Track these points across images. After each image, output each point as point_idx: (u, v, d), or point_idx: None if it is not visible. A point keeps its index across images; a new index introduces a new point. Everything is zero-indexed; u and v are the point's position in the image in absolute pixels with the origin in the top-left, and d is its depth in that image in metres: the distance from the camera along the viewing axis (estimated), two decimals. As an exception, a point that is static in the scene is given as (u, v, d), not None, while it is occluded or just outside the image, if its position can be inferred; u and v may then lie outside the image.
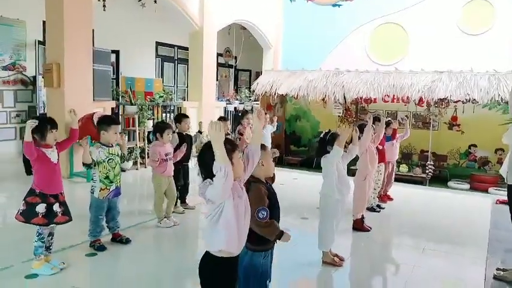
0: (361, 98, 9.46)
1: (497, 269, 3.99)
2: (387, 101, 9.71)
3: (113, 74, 9.81)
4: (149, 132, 5.40)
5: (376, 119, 5.71)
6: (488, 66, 8.62)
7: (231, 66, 14.32)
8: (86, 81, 7.57)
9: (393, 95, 9.13)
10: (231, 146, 2.28)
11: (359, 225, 5.08)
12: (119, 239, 4.44)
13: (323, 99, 9.83)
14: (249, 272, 2.65)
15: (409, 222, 5.70)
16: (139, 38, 11.20)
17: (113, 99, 8.57)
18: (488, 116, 9.14)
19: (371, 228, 5.13)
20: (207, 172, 2.22)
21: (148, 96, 9.60)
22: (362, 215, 5.15)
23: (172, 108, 9.80)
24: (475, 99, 8.33)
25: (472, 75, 8.62)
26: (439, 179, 9.36)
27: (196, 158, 3.36)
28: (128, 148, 4.87)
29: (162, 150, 4.95)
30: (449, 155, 9.84)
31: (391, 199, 6.62)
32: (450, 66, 8.95)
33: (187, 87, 12.62)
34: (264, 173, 2.74)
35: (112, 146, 4.29)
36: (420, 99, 8.89)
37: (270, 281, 2.86)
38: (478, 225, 5.60)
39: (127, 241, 4.44)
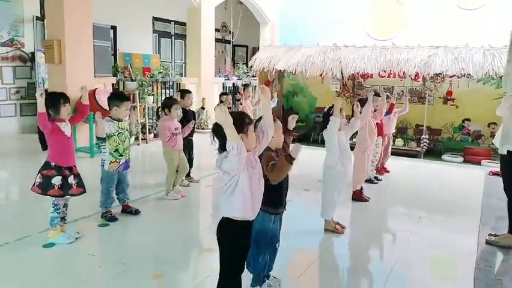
0: (358, 73, 9.59)
1: (489, 235, 4.23)
2: (384, 76, 9.89)
3: (112, 50, 9.83)
4: (158, 108, 5.53)
5: (376, 95, 5.86)
6: (484, 41, 8.75)
7: (227, 41, 14.30)
8: (87, 57, 7.62)
9: (390, 70, 9.27)
10: (247, 120, 2.47)
11: (358, 196, 5.30)
12: (129, 210, 4.62)
13: (321, 75, 9.95)
14: (260, 236, 2.85)
15: (405, 193, 5.94)
16: (136, 14, 11.15)
17: (113, 76, 8.63)
18: (482, 91, 9.34)
19: (369, 199, 5.36)
20: (222, 142, 2.38)
21: (147, 73, 9.64)
22: (361, 186, 5.37)
23: (171, 84, 9.87)
24: (469, 74, 8.49)
25: (467, 50, 8.75)
26: (433, 153, 9.61)
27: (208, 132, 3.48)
28: (129, 123, 5.05)
29: (172, 125, 5.11)
30: (444, 129, 10.06)
31: (388, 171, 6.84)
32: (446, 41, 9.07)
33: (184, 63, 12.65)
34: (274, 144, 2.91)
35: (122, 121, 4.43)
36: (416, 74, 9.04)
37: (279, 245, 3.08)
38: (471, 196, 5.85)
39: (136, 212, 4.63)
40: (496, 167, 8.10)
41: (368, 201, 5.33)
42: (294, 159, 2.78)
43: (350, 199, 5.31)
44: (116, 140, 4.36)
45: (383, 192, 5.99)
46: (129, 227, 4.40)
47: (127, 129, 4.47)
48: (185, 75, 11.63)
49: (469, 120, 9.84)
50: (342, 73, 9.61)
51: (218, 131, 2.38)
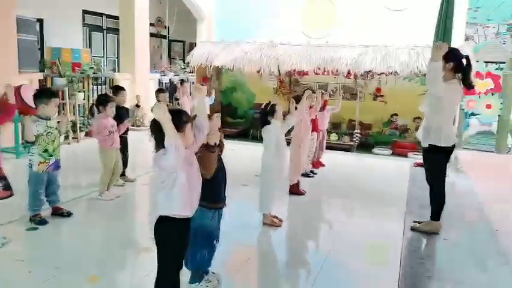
0: (294, 70, 9.81)
1: (414, 222, 4.54)
2: (319, 74, 10.14)
3: (38, 44, 9.29)
4: (91, 106, 5.33)
5: (312, 92, 6.07)
6: (409, 41, 9.30)
7: (163, 36, 14.01)
8: (10, 52, 7.14)
9: (324, 68, 9.57)
10: (185, 118, 2.47)
11: (294, 190, 5.46)
12: (60, 213, 4.43)
13: (258, 71, 10.05)
14: (198, 232, 2.86)
15: (339, 186, 6.21)
16: (64, 6, 10.59)
17: (40, 71, 8.17)
18: (408, 88, 9.90)
19: (305, 192, 5.54)
20: (159, 141, 2.37)
21: (77, 68, 9.22)
22: (298, 180, 5.53)
23: (104, 80, 9.52)
24: (396, 72, 8.98)
25: (394, 49, 9.25)
26: (365, 146, 10.07)
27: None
28: (59, 123, 4.76)
29: (107, 123, 4.95)
30: (374, 124, 10.55)
31: (323, 165, 7.10)
32: (375, 40, 9.52)
33: (117, 58, 12.23)
34: (210, 141, 2.92)
35: (50, 119, 4.22)
36: (348, 72, 9.42)
37: (217, 242, 3.11)
38: (398, 186, 6.22)
39: (68, 214, 4.44)
40: (420, 158, 8.68)
41: (304, 194, 5.50)
42: (213, 147, 2.78)
43: (287, 193, 5.45)
44: (45, 140, 4.16)
45: (318, 185, 6.21)
46: (61, 230, 4.22)
47: (56, 128, 4.28)
48: (118, 71, 11.26)
49: (396, 115, 10.39)
50: (279, 70, 9.78)
51: (156, 128, 2.36)
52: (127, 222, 4.69)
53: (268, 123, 4.24)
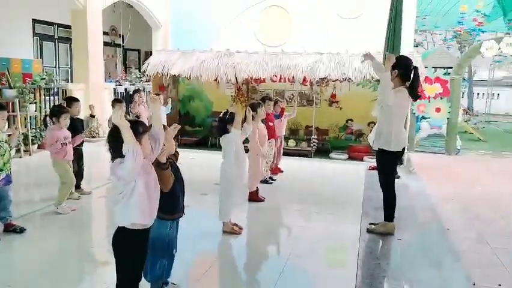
0: (251, 78, 9.91)
1: (370, 224, 4.71)
2: (275, 81, 10.29)
3: (-16, 54, 8.90)
4: (45, 116, 5.18)
5: (269, 99, 6.19)
6: (361, 48, 9.59)
7: (118, 45, 13.77)
8: (-46, 62, 6.82)
9: (280, 75, 9.73)
10: (142, 129, 2.48)
11: (254, 197, 5.51)
12: (12, 229, 4.26)
13: (216, 80, 10.07)
14: (156, 243, 2.85)
15: (298, 191, 6.31)
16: (13, 15, 10.22)
17: (-13, 83, 7.84)
18: (361, 93, 10.22)
19: (264, 199, 5.61)
20: (117, 150, 2.36)
21: (27, 79, 8.90)
22: (257, 187, 5.58)
23: (56, 90, 9.23)
24: (350, 78, 9.26)
25: (348, 56, 9.54)
26: (322, 151, 10.27)
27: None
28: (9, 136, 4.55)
29: (61, 135, 4.83)
30: (330, 129, 10.79)
31: (282, 171, 7.20)
32: (329, 48, 9.78)
33: (70, 68, 11.91)
34: (167, 152, 2.92)
35: (-1, 132, 4.08)
36: (304, 79, 9.61)
37: (176, 251, 3.10)
38: (354, 189, 6.41)
39: (21, 230, 4.28)
40: (374, 162, 8.98)
41: (263, 201, 5.56)
42: (164, 164, 2.77)
43: (246, 200, 5.49)
44: (-6, 154, 4.00)
45: (277, 192, 6.29)
46: (14, 247, 4.06)
47: (6, 141, 4.13)
48: (71, 81, 10.96)
49: (351, 120, 10.70)
50: (236, 78, 9.85)
51: (113, 138, 2.36)
52: (84, 236, 4.57)
53: (227, 131, 4.27)
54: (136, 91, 6.97)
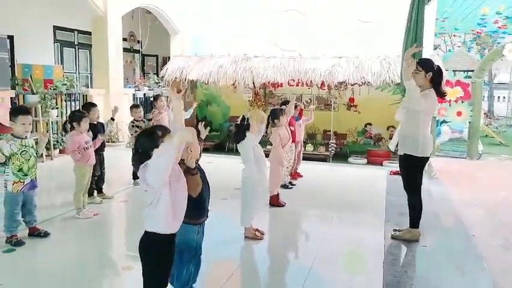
0: (269, 82, 9.91)
1: (394, 230, 4.62)
2: (293, 85, 10.28)
3: (9, 61, 9.06)
4: (65, 122, 5.24)
5: (287, 102, 6.17)
6: (380, 52, 9.53)
7: (136, 51, 13.91)
8: (-20, 69, 6.96)
9: (298, 79, 9.71)
10: (162, 131, 2.47)
11: (275, 202, 5.48)
12: (37, 233, 4.31)
13: (233, 84, 10.10)
14: (183, 248, 2.83)
15: (318, 196, 6.25)
16: (35, 23, 10.40)
17: (11, 89, 7.98)
18: (380, 97, 10.13)
19: (285, 204, 5.56)
20: (143, 157, 2.37)
21: (49, 84, 9.04)
22: (278, 192, 5.55)
23: (77, 96, 9.36)
24: (369, 82, 9.19)
25: (366, 59, 9.46)
26: (340, 156, 10.22)
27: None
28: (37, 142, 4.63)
29: (81, 140, 4.87)
30: (348, 134, 10.74)
31: (301, 176, 7.15)
32: (347, 51, 9.72)
33: (90, 73, 12.06)
34: (194, 156, 2.91)
35: (26, 138, 4.14)
36: (322, 83, 9.57)
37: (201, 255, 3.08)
38: (376, 195, 6.31)
39: (45, 234, 4.32)
40: (395, 166, 8.86)
41: (284, 206, 5.52)
42: (194, 169, 2.74)
43: (267, 205, 5.46)
44: (20, 158, 4.06)
45: (297, 197, 6.22)
46: (38, 251, 4.10)
47: (32, 147, 4.18)
48: (91, 87, 11.10)
49: (370, 124, 10.62)
50: (253, 82, 9.85)
51: (142, 144, 2.40)
52: (106, 240, 4.60)
53: (244, 138, 4.23)
54: (157, 97, 6.98)
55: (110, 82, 9.79)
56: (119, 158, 7.64)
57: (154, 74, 13.40)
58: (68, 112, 8.41)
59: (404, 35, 7.27)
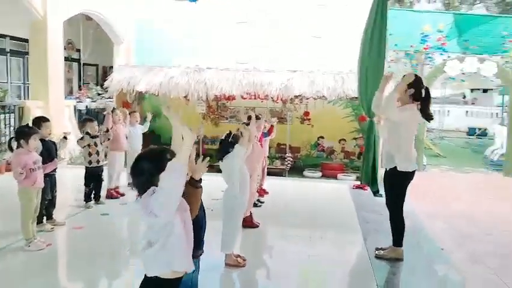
0: (224, 95, 9.60)
1: (376, 249, 4.49)
2: (246, 98, 10.04)
3: None
4: (10, 139, 4.55)
5: (257, 118, 5.90)
6: (332, 66, 9.61)
7: (74, 60, 12.98)
8: None
9: (254, 92, 9.50)
10: (169, 156, 2.13)
11: (248, 222, 5.13)
12: (-19, 272, 3.65)
13: (185, 97, 9.67)
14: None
15: (288, 214, 5.98)
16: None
17: None
18: (332, 111, 10.20)
19: (259, 224, 5.25)
20: (145, 183, 2.05)
21: (-23, 95, 8.10)
22: (250, 212, 5.23)
23: (12, 108, 8.43)
24: (324, 96, 9.20)
25: (320, 74, 9.49)
26: (294, 169, 10.10)
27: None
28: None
29: (29, 159, 4.23)
30: (302, 147, 10.67)
31: (267, 192, 6.88)
32: (300, 65, 9.71)
33: (23, 83, 11.02)
34: (196, 175, 2.53)
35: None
36: (277, 97, 9.43)
37: None
38: (346, 210, 6.22)
39: (-8, 273, 3.68)
40: (349, 180, 8.95)
41: (258, 226, 5.21)
42: (198, 182, 2.39)
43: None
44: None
45: (268, 215, 5.88)
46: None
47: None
48: (25, 98, 10.12)
49: (322, 137, 10.64)
50: (207, 95, 9.51)
51: (142, 168, 2.09)
52: (66, 274, 4.01)
53: (230, 150, 3.89)
54: (114, 109, 6.47)
55: (50, 93, 8.92)
56: (63, 177, 6.89)
57: (94, 84, 12.57)
58: (2, 125, 7.56)
59: (363, 44, 7.27)
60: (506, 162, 10.18)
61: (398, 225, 4.36)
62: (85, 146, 5.77)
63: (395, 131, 4.22)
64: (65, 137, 5.21)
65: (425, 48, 10.22)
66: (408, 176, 4.29)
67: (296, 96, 9.44)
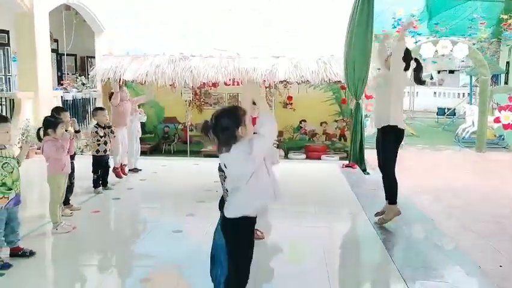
0: (209, 82, 9.84)
1: (376, 214, 4.92)
2: (229, 84, 10.31)
3: None
4: (39, 129, 4.73)
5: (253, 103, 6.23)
6: (315, 52, 10.04)
7: (53, 50, 12.78)
8: None
9: (239, 78, 9.80)
10: (242, 112, 2.55)
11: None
12: (21, 253, 3.86)
13: (171, 84, 9.85)
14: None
15: (289, 193, 6.12)
16: None
17: None
18: (313, 95, 10.62)
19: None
20: (230, 136, 2.45)
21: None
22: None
23: (3, 100, 8.40)
24: (308, 80, 9.62)
25: (303, 59, 9.88)
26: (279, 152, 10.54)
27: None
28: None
29: (59, 144, 4.46)
30: (285, 131, 11.05)
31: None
32: (283, 51, 10.08)
33: (5, 75, 10.85)
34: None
35: (4, 148, 3.71)
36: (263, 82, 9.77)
37: None
38: (341, 187, 6.66)
39: (31, 254, 3.90)
40: (333, 160, 9.49)
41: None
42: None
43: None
44: (1, 172, 3.63)
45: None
46: (30, 273, 3.67)
47: (13, 157, 3.76)
48: (9, 90, 10.03)
49: (305, 121, 11.08)
50: (193, 82, 9.73)
51: (226, 123, 2.46)
52: (97, 254, 4.25)
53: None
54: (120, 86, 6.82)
55: (40, 84, 8.92)
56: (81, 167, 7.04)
57: (73, 74, 12.50)
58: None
59: (350, 28, 7.70)
60: (478, 139, 10.98)
61: (391, 183, 4.76)
62: (96, 137, 6.00)
63: (384, 91, 4.65)
64: (76, 131, 5.37)
65: (397, 31, 10.76)
66: (400, 132, 4.68)
67: (281, 82, 9.81)
